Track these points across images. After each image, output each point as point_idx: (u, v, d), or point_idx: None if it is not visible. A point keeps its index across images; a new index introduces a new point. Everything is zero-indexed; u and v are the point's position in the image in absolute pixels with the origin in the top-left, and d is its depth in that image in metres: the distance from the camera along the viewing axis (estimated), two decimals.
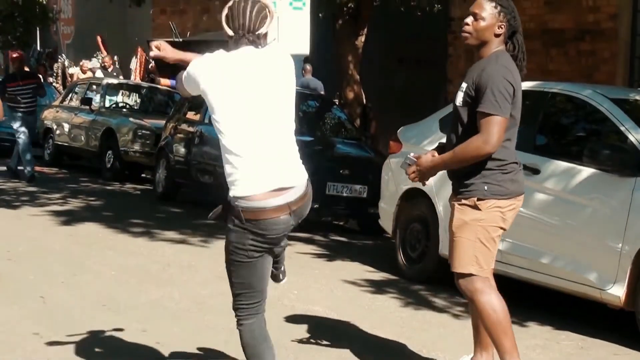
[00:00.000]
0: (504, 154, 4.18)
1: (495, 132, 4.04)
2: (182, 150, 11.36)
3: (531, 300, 6.81)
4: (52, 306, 5.84)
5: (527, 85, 6.12)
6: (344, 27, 12.48)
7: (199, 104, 11.66)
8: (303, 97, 11.79)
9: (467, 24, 4.20)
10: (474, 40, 4.20)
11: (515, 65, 4.18)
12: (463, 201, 4.21)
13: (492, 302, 4.18)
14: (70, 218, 9.60)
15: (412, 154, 4.48)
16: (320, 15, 13.99)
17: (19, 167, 12.89)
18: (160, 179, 11.73)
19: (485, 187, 4.16)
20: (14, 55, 13.16)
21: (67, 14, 24.32)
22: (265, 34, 3.48)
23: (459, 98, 4.22)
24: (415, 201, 7.52)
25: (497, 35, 4.17)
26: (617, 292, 5.67)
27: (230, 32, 3.48)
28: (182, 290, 6.52)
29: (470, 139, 4.09)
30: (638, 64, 10.73)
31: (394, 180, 7.85)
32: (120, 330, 5.26)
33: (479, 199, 4.16)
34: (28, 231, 8.75)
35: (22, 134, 12.53)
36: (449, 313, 6.36)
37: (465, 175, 4.21)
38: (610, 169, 5.82)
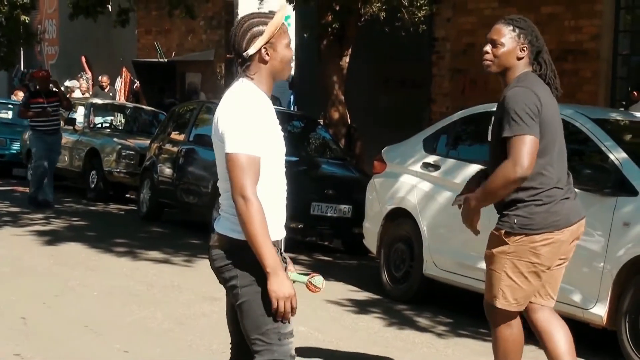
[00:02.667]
0: (540, 181, 3.93)
1: (524, 153, 3.78)
2: (167, 170, 11.33)
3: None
4: (34, 327, 5.79)
5: None
6: (328, 47, 12.52)
7: (183, 124, 11.66)
8: (288, 117, 11.81)
9: (487, 52, 4.00)
10: (496, 68, 4.01)
11: (545, 85, 4.01)
12: (493, 231, 4.04)
13: (510, 336, 4.08)
14: (53, 238, 9.55)
15: (458, 196, 4.23)
16: (305, 35, 14.04)
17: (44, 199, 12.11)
18: (145, 199, 11.69)
19: (515, 221, 3.95)
20: (41, 74, 12.69)
21: (52, 34, 24.31)
22: (255, 55, 3.08)
23: (490, 133, 4.04)
24: (399, 221, 7.53)
25: (519, 59, 3.99)
26: (599, 311, 5.68)
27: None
28: (165, 310, 6.49)
29: (499, 166, 3.87)
30: (620, 84, 10.82)
31: (379, 200, 7.86)
32: (102, 351, 5.22)
33: (506, 233, 3.97)
34: (10, 251, 8.69)
35: (42, 161, 11.96)
36: (432, 332, 6.35)
37: (502, 206, 4.01)
38: (592, 189, 5.84)
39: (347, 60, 12.57)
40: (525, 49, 3.99)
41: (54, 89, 12.48)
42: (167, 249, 9.27)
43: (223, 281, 3.12)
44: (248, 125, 2.99)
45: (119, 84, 19.83)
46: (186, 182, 10.87)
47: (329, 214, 9.67)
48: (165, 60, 19.28)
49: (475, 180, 4.23)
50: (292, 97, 16.97)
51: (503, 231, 3.97)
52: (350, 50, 12.56)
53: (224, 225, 3.11)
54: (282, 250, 3.15)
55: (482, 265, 6.59)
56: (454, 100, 12.34)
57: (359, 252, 9.60)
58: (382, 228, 7.71)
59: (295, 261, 9.07)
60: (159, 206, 11.52)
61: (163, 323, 6.11)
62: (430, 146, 7.56)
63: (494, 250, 4.02)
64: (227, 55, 3.50)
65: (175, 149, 11.35)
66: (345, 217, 9.71)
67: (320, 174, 10.25)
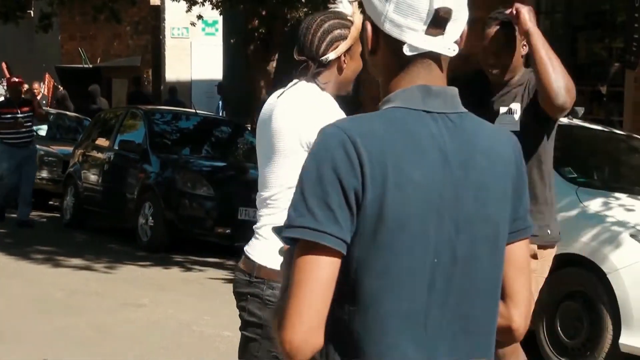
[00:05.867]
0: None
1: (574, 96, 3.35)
2: (92, 176, 11.12)
3: None
4: None
5: None
6: (255, 52, 12.47)
7: (108, 130, 11.45)
8: (216, 122, 11.71)
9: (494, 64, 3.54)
10: (509, 74, 3.54)
11: None
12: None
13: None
14: None
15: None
16: (232, 40, 13.96)
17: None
18: (68, 206, 11.44)
19: (549, 231, 3.56)
20: (13, 80, 11.29)
21: None
22: (334, 62, 2.73)
23: (514, 123, 3.47)
24: None
25: (523, 56, 3.59)
26: None
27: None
28: (88, 318, 6.33)
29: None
30: None
31: None
32: None
33: (540, 247, 3.52)
34: None
35: (9, 179, 10.74)
36: None
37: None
38: None
39: (274, 65, 12.54)
40: (525, 46, 3.54)
41: (27, 97, 11.42)
42: (89, 255, 9.07)
43: (239, 308, 2.77)
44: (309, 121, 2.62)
45: (43, 90, 19.43)
46: (112, 188, 10.68)
47: (256, 219, 9.59)
48: (90, 66, 18.96)
49: None
50: (220, 102, 16.86)
51: (535, 246, 3.48)
52: (277, 55, 12.53)
53: (255, 247, 2.77)
54: None
55: None
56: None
57: None
58: None
59: (222, 266, 9.02)
60: (83, 213, 11.29)
61: (85, 331, 5.96)
62: None
63: None
64: (298, 57, 3.07)
65: (100, 155, 11.15)
66: None
67: (247, 178, 10.16)
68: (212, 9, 12.64)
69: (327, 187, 1.43)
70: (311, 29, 2.73)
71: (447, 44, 1.52)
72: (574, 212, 5.67)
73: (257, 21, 12.17)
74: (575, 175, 6.00)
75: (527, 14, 3.41)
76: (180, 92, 16.93)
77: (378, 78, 1.59)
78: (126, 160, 10.52)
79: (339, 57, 2.73)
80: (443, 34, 1.51)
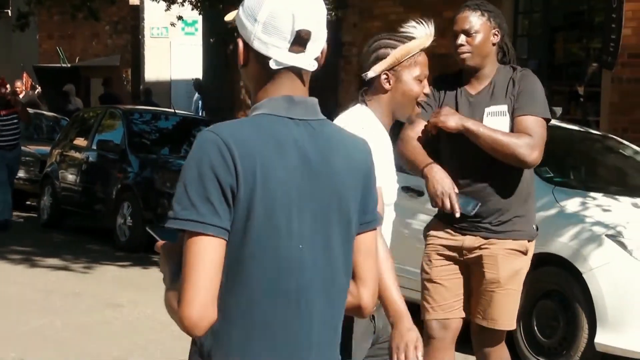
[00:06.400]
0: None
1: (543, 138, 3.46)
2: (69, 176, 11.05)
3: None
4: None
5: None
6: (234, 52, 12.42)
7: (86, 129, 11.39)
8: (195, 122, 11.67)
9: (463, 44, 3.56)
10: (477, 58, 3.56)
11: None
12: (508, 248, 3.56)
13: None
14: None
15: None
16: (211, 40, 13.92)
17: None
18: (46, 206, 11.37)
19: (534, 226, 3.65)
20: None
21: None
22: (375, 80, 2.72)
23: (505, 125, 3.52)
24: None
25: (494, 44, 3.60)
26: None
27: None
28: (65, 318, 6.30)
29: (515, 134, 3.46)
30: None
31: None
32: None
33: (529, 241, 3.61)
34: None
35: None
36: None
37: (508, 210, 3.55)
38: None
39: None
40: (497, 32, 3.61)
41: (13, 99, 10.95)
42: (67, 255, 9.02)
43: None
44: None
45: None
46: (89, 188, 10.63)
47: None
48: (69, 65, 18.84)
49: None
50: (200, 102, 16.81)
51: (526, 241, 3.60)
52: None
53: None
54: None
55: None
56: None
57: None
58: None
59: None
60: (61, 213, 11.23)
61: (62, 331, 5.93)
62: None
63: (516, 268, 3.58)
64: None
65: (77, 154, 11.10)
66: None
67: None
68: (192, 9, 12.60)
69: (206, 183, 1.66)
70: (366, 46, 2.74)
71: (308, 60, 1.78)
72: (550, 212, 5.70)
73: None
74: (552, 175, 6.03)
75: (445, 119, 3.46)
76: (160, 92, 16.88)
77: (250, 88, 1.84)
78: (104, 160, 10.47)
79: (379, 76, 2.70)
80: (304, 51, 1.77)
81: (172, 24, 13.42)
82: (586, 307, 5.35)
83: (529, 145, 3.44)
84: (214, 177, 1.66)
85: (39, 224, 11.39)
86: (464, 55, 3.57)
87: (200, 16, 14.55)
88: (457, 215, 3.40)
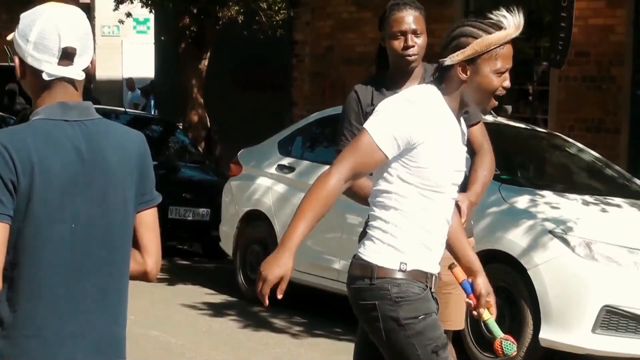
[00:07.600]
0: None
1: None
2: None
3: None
4: None
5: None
6: (186, 51, 12.38)
7: None
8: (147, 121, 11.59)
9: (413, 46, 3.36)
10: (419, 59, 3.43)
11: None
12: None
13: None
14: None
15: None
16: (162, 38, 13.83)
17: None
18: None
19: (472, 222, 3.76)
20: None
21: None
22: (451, 68, 2.63)
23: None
24: (255, 223, 7.50)
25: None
26: None
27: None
28: None
29: (484, 157, 3.48)
30: None
31: (235, 203, 7.80)
32: None
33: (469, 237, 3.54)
34: None
35: None
36: (287, 333, 6.34)
37: None
38: None
39: (206, 63, 12.47)
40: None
41: None
42: None
43: (368, 321, 2.73)
44: (399, 117, 2.55)
45: None
46: None
47: (187, 218, 9.56)
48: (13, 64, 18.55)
49: None
50: (152, 101, 16.72)
51: (472, 238, 3.59)
52: (209, 53, 12.47)
53: (368, 248, 2.69)
54: (434, 289, 2.72)
55: (336, 265, 6.67)
56: (314, 103, 12.41)
57: (217, 255, 9.51)
58: (237, 230, 7.64)
59: None
60: None
61: None
62: (285, 148, 7.57)
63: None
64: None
65: None
66: (203, 220, 9.61)
67: (178, 177, 10.11)
68: (142, 7, 12.50)
69: None
70: (449, 30, 2.62)
71: (77, 71, 2.10)
72: (496, 209, 5.77)
73: (188, 19, 12.08)
74: (498, 172, 6.09)
75: (467, 214, 3.31)
76: (112, 90, 16.71)
77: (31, 96, 2.12)
78: None
79: (455, 65, 2.58)
80: (72, 64, 2.09)
81: (121, 22, 13.29)
82: (531, 303, 5.43)
83: (493, 158, 3.50)
84: None
85: None
86: (414, 57, 3.38)
87: (151, 14, 14.47)
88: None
